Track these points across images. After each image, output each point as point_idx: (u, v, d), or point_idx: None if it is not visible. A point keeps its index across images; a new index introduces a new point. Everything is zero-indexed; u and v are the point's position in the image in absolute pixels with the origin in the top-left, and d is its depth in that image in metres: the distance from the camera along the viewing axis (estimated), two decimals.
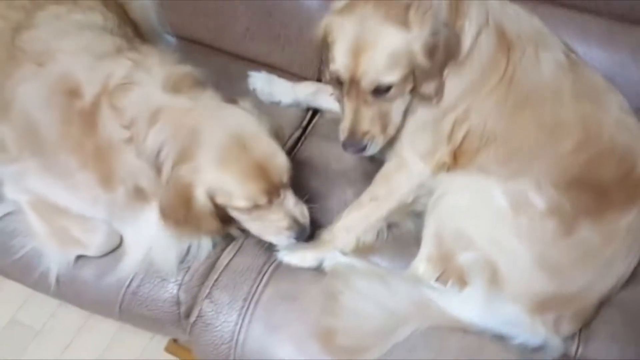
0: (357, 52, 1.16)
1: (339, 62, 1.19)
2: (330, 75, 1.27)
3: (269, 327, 1.22)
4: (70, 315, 1.81)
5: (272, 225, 1.22)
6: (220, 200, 1.15)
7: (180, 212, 1.16)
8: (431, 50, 1.17)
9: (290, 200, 1.22)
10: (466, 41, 1.24)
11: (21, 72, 1.26)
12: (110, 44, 1.29)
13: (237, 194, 1.14)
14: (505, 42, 1.28)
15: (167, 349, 1.74)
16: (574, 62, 1.31)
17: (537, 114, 1.27)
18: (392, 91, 1.21)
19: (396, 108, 1.26)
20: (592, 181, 1.23)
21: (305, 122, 1.65)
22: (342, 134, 1.27)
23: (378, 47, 1.16)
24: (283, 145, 1.22)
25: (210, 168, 1.12)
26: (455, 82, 1.27)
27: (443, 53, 1.19)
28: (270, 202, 1.18)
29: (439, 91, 1.25)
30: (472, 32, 1.25)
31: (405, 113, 1.29)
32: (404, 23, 1.16)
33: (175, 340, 1.71)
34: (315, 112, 1.68)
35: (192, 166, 1.12)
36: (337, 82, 1.24)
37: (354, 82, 1.19)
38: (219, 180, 1.13)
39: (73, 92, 1.21)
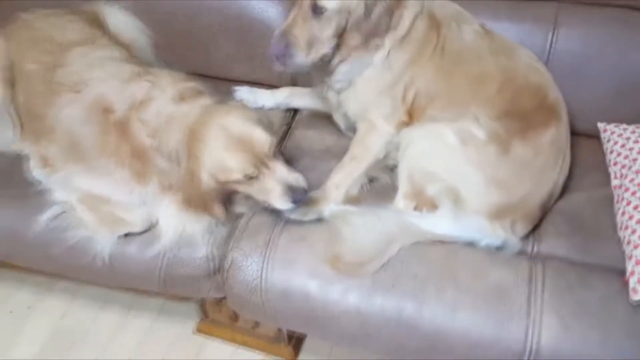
0: None
1: None
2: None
3: (287, 261, 1.50)
4: (109, 317, 2.05)
5: (271, 193, 1.48)
6: (221, 177, 1.43)
7: (192, 194, 1.46)
8: (369, 8, 1.52)
9: (281, 170, 1.48)
10: (404, 24, 1.60)
11: (61, 100, 1.59)
12: (130, 70, 1.62)
13: (230, 167, 1.41)
14: (435, 22, 1.64)
15: (198, 329, 1.99)
16: (488, 31, 1.69)
17: (466, 70, 1.62)
18: (326, 15, 1.49)
19: (324, 38, 1.53)
20: (516, 111, 1.56)
21: (289, 120, 1.99)
22: (275, 36, 1.51)
23: None
24: (273, 134, 1.50)
25: (207, 154, 1.42)
26: (399, 56, 1.62)
27: (376, 20, 1.54)
28: (259, 172, 1.45)
29: (363, 47, 1.58)
30: (409, 18, 1.61)
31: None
32: None
33: (206, 315, 1.96)
34: (296, 112, 2.03)
35: (196, 157, 1.43)
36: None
37: None
38: (214, 160, 1.42)
39: (107, 109, 1.53)
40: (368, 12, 1.53)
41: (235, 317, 1.90)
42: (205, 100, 1.54)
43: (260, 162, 1.45)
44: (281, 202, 1.50)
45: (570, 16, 1.81)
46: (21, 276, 2.14)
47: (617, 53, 1.78)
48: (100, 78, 1.58)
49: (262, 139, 1.45)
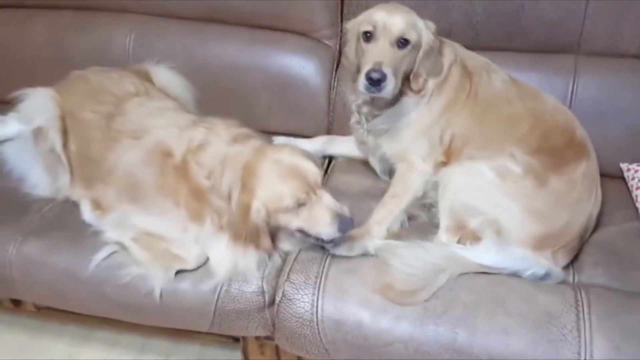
0: (392, 12, 1.63)
1: (378, 16, 1.63)
2: (362, 34, 1.65)
3: (338, 293, 1.54)
4: None
5: (319, 220, 1.52)
6: (271, 206, 1.51)
7: (242, 227, 1.53)
8: (433, 44, 1.68)
9: (328, 198, 1.54)
10: (442, 72, 1.76)
11: (121, 146, 1.69)
12: (187, 118, 1.75)
13: (282, 194, 1.49)
14: (467, 72, 1.79)
15: None
16: (514, 79, 1.84)
17: (497, 113, 1.75)
18: (407, 48, 1.64)
19: (402, 70, 1.66)
20: (548, 148, 1.67)
21: (325, 166, 2.09)
22: (368, 67, 1.58)
23: (407, 13, 1.65)
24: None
25: (260, 185, 1.51)
26: (437, 101, 1.75)
27: (434, 60, 1.70)
28: (310, 199, 1.51)
29: (423, 87, 1.73)
30: (445, 66, 1.77)
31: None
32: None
33: (247, 359, 1.94)
34: (331, 159, 2.13)
35: (249, 189, 1.52)
36: (367, 38, 1.64)
37: (385, 30, 1.61)
38: (268, 189, 1.50)
39: (167, 154, 1.63)
40: (432, 49, 1.69)
41: (277, 359, 1.90)
42: (257, 142, 1.64)
43: (311, 190, 1.52)
44: (329, 230, 1.53)
45: (588, 66, 1.98)
46: (59, 327, 2.14)
47: (633, 98, 1.93)
48: (160, 126, 1.70)
49: (313, 168, 1.55)
